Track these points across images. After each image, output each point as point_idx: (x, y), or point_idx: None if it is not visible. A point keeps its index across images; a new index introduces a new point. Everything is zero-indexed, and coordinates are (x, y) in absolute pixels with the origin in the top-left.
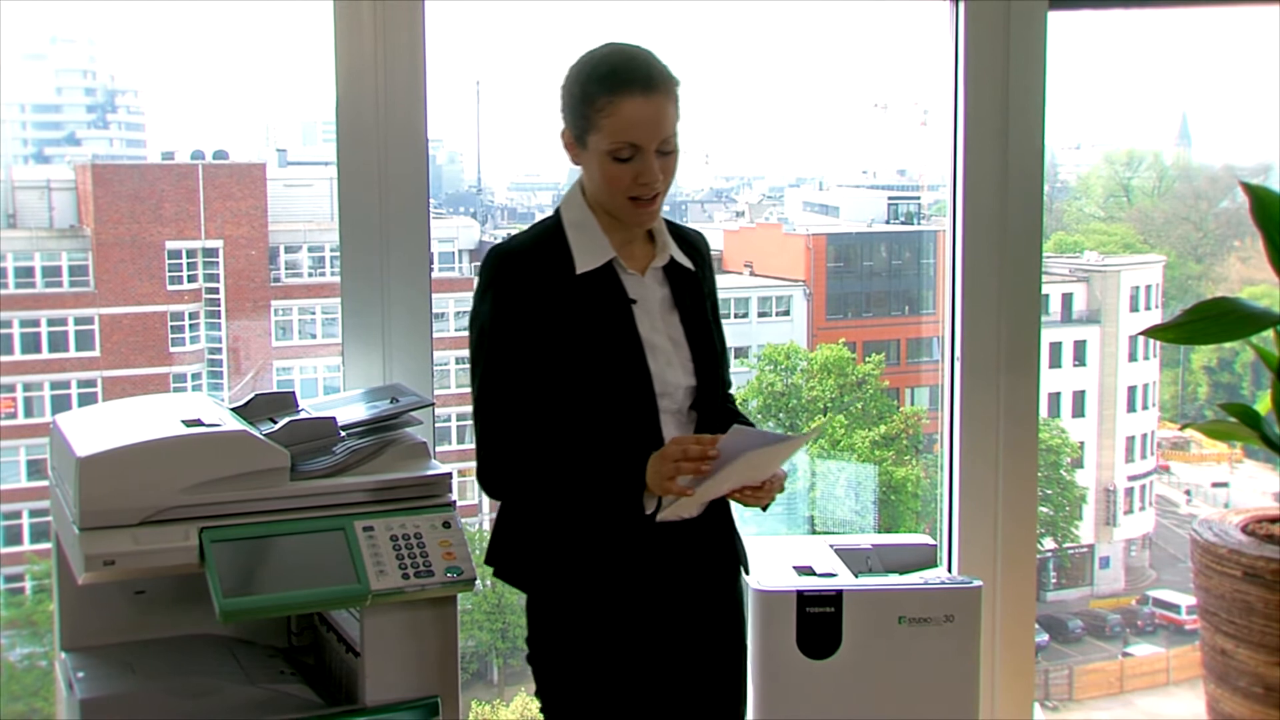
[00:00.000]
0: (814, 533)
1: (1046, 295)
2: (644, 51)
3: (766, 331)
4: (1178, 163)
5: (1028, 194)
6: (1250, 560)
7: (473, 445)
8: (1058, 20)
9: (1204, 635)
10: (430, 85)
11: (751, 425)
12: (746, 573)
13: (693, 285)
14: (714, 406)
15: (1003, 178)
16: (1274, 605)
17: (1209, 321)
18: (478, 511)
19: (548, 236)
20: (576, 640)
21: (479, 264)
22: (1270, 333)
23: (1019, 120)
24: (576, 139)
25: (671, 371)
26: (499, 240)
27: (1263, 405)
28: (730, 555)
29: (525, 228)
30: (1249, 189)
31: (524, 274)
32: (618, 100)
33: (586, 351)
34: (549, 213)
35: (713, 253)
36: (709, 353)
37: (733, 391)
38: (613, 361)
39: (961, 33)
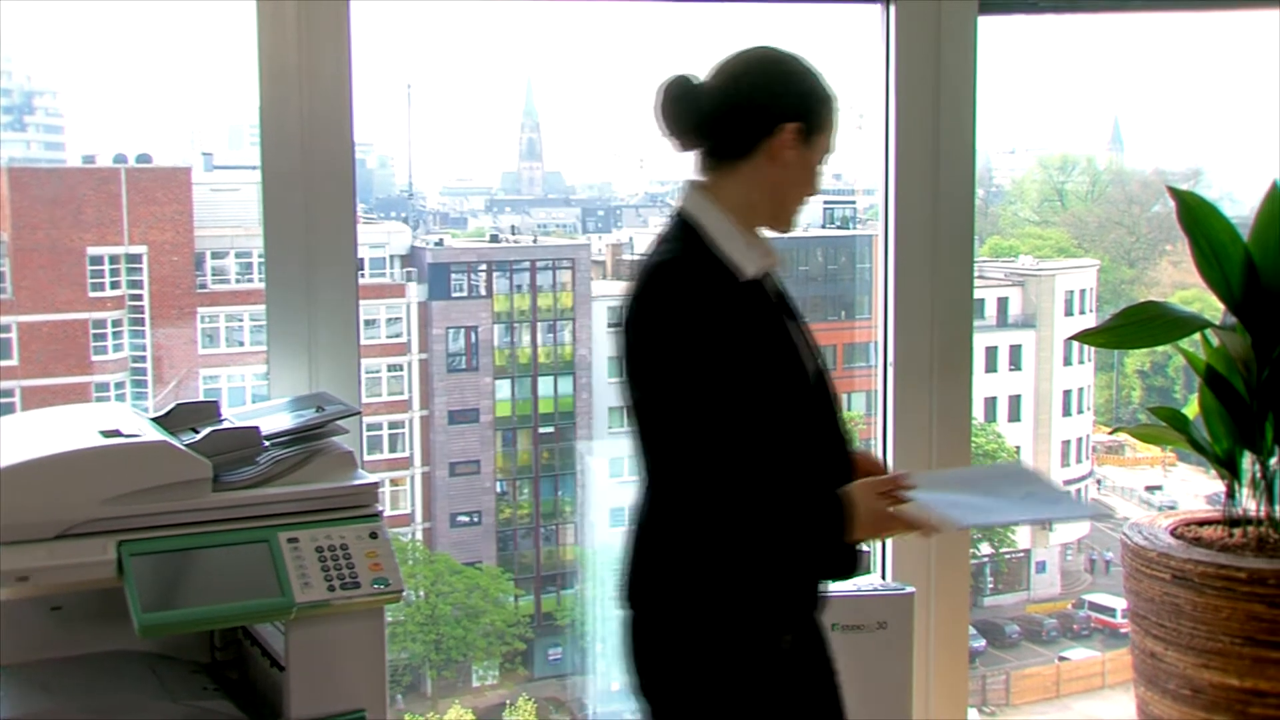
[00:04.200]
0: None
1: (982, 300)
2: None
3: None
4: (1110, 167)
5: (959, 198)
6: (1179, 563)
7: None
8: (991, 25)
9: (1134, 638)
10: (359, 88)
11: None
12: None
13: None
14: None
15: (934, 182)
16: (1202, 608)
17: (1137, 326)
18: (409, 522)
19: (701, 248)
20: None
21: (657, 282)
22: (1198, 336)
23: (950, 124)
24: (805, 133)
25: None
26: (661, 258)
27: (1191, 409)
28: None
29: (666, 242)
30: (1176, 194)
31: (717, 291)
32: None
33: (770, 368)
34: (482, 218)
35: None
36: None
37: None
38: (791, 374)
39: (892, 37)
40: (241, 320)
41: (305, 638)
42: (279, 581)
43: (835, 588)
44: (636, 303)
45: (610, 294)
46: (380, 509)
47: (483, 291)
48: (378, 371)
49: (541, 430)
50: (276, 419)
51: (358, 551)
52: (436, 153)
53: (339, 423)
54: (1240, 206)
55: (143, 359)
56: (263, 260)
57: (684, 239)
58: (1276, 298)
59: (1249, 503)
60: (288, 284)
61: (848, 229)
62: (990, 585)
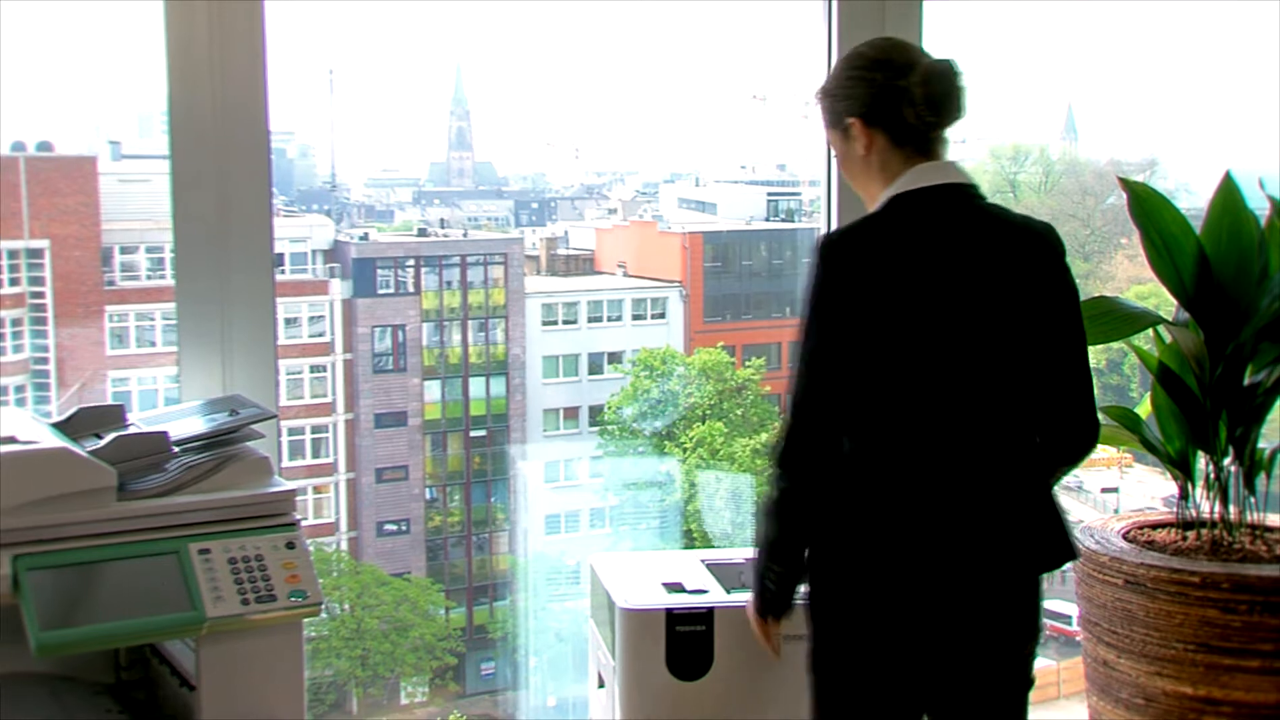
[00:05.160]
0: (692, 547)
1: None
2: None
3: (641, 335)
4: (1064, 157)
5: None
6: (1131, 568)
7: None
8: (937, 10)
9: (1086, 646)
10: (277, 73)
11: None
12: None
13: None
14: None
15: None
16: (1155, 613)
17: (1087, 322)
18: (334, 530)
19: None
20: None
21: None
22: (1151, 333)
23: None
24: None
25: None
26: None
27: (1144, 408)
28: None
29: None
30: (1127, 185)
31: None
32: None
33: None
34: (410, 211)
35: (584, 252)
36: None
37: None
38: None
39: (834, 21)
40: (153, 319)
41: (217, 655)
42: (189, 595)
43: None
44: (1061, 260)
45: (544, 289)
46: (297, 518)
47: (410, 288)
48: (300, 372)
49: (473, 433)
50: (187, 423)
51: (274, 563)
52: (361, 142)
53: (254, 427)
54: (1196, 198)
55: (45, 360)
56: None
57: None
58: (1229, 292)
59: (1203, 504)
60: (199, 280)
61: (793, 221)
62: None
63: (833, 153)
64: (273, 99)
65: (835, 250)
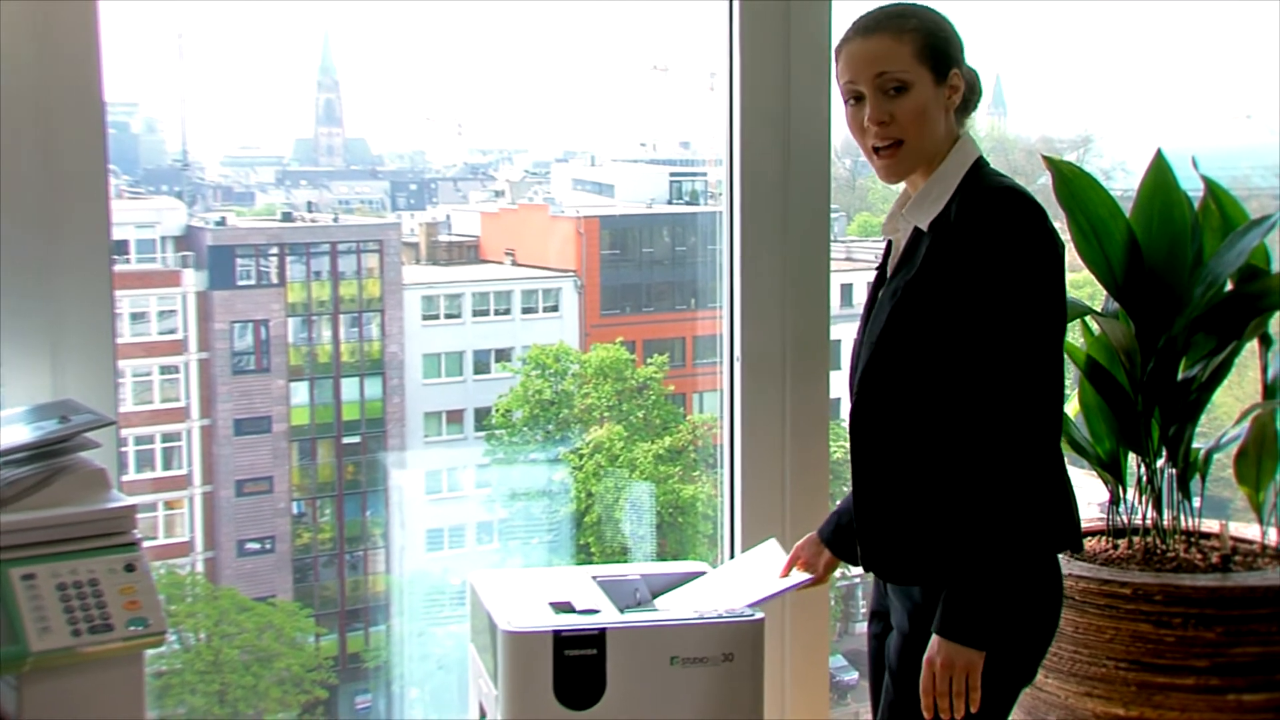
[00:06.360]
0: (590, 563)
1: (850, 284)
2: (901, 4)
3: (532, 330)
4: (993, 134)
5: (813, 171)
6: None
7: None
8: None
9: None
10: (115, 35)
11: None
12: None
13: (916, 262)
14: (878, 439)
15: (784, 149)
16: (1084, 629)
17: None
18: (189, 551)
19: None
20: None
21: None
22: (1079, 325)
23: (803, 87)
24: None
25: (853, 376)
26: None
27: (1072, 407)
28: None
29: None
30: (1052, 164)
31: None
32: (843, 45)
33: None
34: (273, 193)
35: (468, 239)
36: (877, 359)
37: None
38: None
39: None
40: None
41: (43, 693)
42: (10, 626)
43: (675, 617)
44: None
45: (424, 280)
46: (139, 536)
47: (274, 279)
48: (148, 374)
49: (345, 440)
50: (10, 432)
51: (110, 588)
52: (217, 116)
53: (88, 435)
54: (1133, 178)
55: None
56: None
57: None
58: (1161, 280)
59: (1136, 509)
60: (23, 271)
61: (698, 204)
62: (862, 610)
63: (917, 96)
64: (111, 65)
65: (1041, 213)
